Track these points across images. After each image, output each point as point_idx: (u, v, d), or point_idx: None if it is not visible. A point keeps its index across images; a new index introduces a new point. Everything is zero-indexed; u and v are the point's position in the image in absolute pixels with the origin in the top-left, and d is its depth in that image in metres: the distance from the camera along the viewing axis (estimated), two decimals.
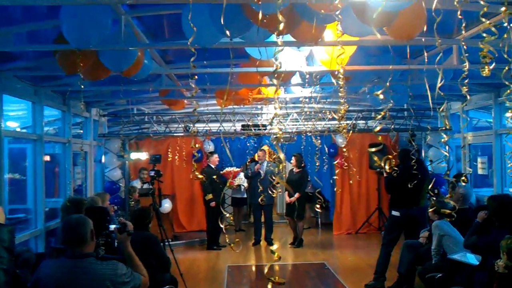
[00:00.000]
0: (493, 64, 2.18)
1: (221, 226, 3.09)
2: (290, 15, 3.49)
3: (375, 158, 3.50)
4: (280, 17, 2.30)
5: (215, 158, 10.25)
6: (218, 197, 9.83)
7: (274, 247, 3.37)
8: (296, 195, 9.83)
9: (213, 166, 10.13)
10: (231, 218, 3.19)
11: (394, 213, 7.04)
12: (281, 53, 4.73)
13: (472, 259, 5.34)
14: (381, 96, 2.80)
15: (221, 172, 10.47)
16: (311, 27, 3.48)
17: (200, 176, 3.13)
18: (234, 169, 11.15)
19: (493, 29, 1.99)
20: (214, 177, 9.75)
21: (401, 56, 5.45)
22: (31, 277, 3.70)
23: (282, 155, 4.61)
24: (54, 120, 8.39)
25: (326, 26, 3.82)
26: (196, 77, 3.16)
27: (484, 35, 2.05)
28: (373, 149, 3.16)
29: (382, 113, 3.87)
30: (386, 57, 5.06)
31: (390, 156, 3.16)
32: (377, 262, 7.09)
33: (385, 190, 7.90)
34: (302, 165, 10.12)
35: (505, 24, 1.99)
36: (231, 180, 11.06)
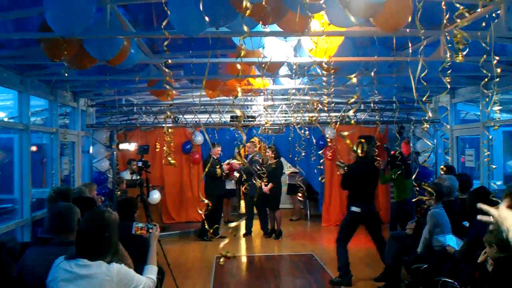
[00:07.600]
0: (466, 50, 2.19)
1: (200, 212, 3.07)
2: (276, 5, 3.47)
3: (347, 141, 3.52)
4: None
5: (218, 149, 10.23)
6: (218, 188, 9.89)
7: (233, 224, 3.32)
8: (270, 185, 9.90)
9: (215, 157, 10.05)
10: (210, 204, 3.15)
11: (355, 209, 6.97)
12: (268, 44, 4.72)
13: (453, 242, 5.40)
14: (354, 80, 2.81)
15: (223, 165, 10.52)
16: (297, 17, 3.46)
17: (172, 161, 3.12)
18: (235, 161, 11.09)
19: (466, 14, 1.99)
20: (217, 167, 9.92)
21: (390, 48, 5.44)
22: (16, 266, 3.68)
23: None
24: (41, 110, 8.32)
25: (312, 16, 3.80)
26: (170, 61, 3.13)
27: (458, 20, 2.05)
28: (346, 133, 3.16)
29: (355, 96, 3.85)
30: (376, 48, 5.04)
31: (362, 140, 3.17)
32: (338, 258, 7.02)
33: (340, 186, 7.49)
34: (280, 156, 10.31)
35: (479, 10, 2.00)
36: (231, 172, 11.15)
